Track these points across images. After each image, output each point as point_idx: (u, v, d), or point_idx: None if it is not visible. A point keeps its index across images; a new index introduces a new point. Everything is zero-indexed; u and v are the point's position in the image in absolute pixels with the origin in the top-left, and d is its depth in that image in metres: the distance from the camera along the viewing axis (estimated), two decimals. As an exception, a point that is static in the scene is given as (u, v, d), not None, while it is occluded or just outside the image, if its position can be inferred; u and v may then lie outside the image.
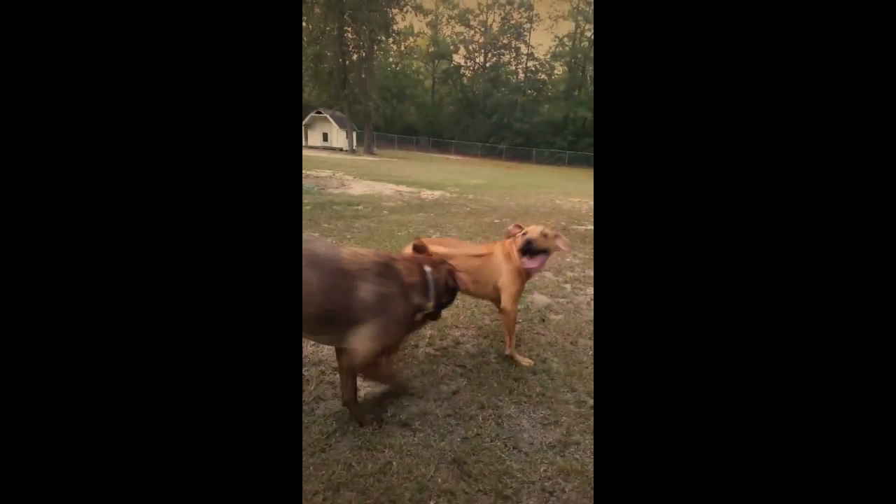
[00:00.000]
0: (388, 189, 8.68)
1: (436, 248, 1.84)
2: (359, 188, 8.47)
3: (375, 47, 25.85)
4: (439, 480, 1.29)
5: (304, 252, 1.28)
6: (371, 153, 25.33)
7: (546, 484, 1.32)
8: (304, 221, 4.68)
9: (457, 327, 2.38)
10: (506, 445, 1.47)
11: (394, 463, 1.34)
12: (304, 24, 23.10)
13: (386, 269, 1.38)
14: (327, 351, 2.00)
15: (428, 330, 2.30)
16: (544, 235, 1.90)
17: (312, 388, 1.70)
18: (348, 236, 4.19)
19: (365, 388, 1.71)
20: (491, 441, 1.48)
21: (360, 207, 6.05)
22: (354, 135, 26.76)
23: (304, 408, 1.57)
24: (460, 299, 2.76)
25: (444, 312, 2.54)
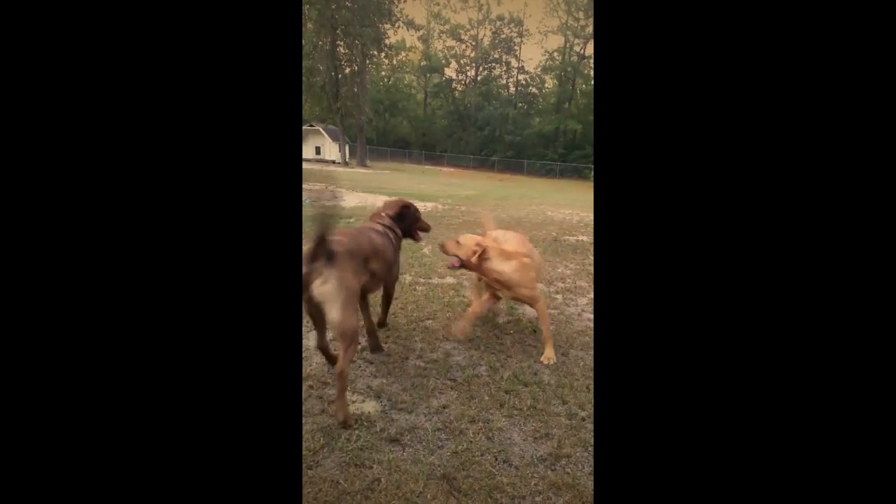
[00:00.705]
0: (380, 201, 8.67)
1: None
2: (351, 200, 8.46)
3: (367, 61, 26.11)
4: (429, 497, 1.27)
5: (379, 233, 2.04)
6: (364, 165, 25.41)
7: (537, 499, 1.30)
8: (294, 234, 4.66)
9: (447, 340, 2.37)
10: (496, 459, 1.45)
11: (382, 479, 1.32)
12: (296, 38, 23.22)
13: (387, 227, 2.15)
14: (315, 365, 1.97)
15: (418, 343, 2.28)
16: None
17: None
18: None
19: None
20: (481, 455, 1.46)
21: (352, 220, 6.03)
22: (347, 147, 26.86)
23: (292, 424, 1.54)
24: (451, 312, 2.75)
25: (434, 324, 2.54)
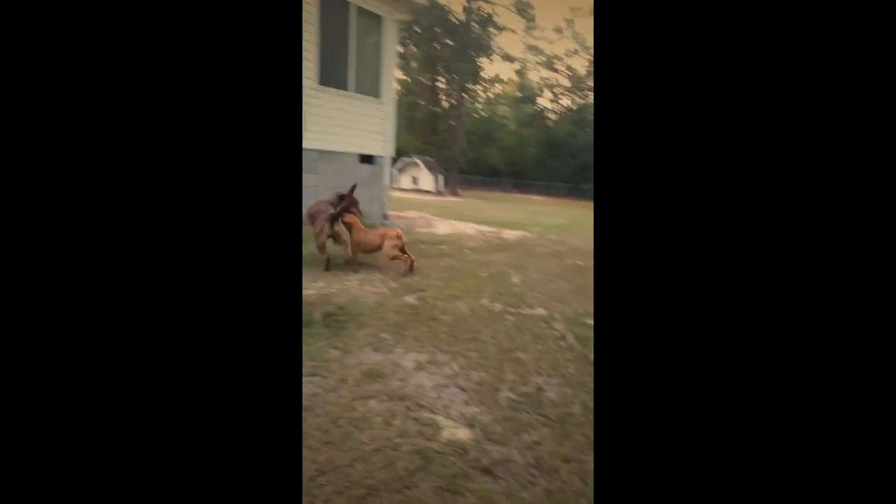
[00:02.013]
0: (469, 228, 8.89)
1: None
2: (443, 227, 8.77)
3: (465, 95, 27.26)
4: (521, 534, 1.26)
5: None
6: (455, 194, 26.21)
7: (637, 555, 1.22)
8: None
9: (539, 374, 2.34)
10: (592, 506, 1.40)
11: (475, 509, 1.34)
12: (402, 76, 25.18)
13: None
14: (412, 386, 2.07)
15: (508, 374, 2.29)
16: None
17: (399, 422, 1.77)
18: (433, 275, 4.34)
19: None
20: (576, 498, 1.42)
21: (444, 247, 6.26)
22: (441, 177, 28.01)
23: (389, 443, 1.63)
24: (542, 344, 2.72)
25: (525, 356, 2.52)
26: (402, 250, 4.17)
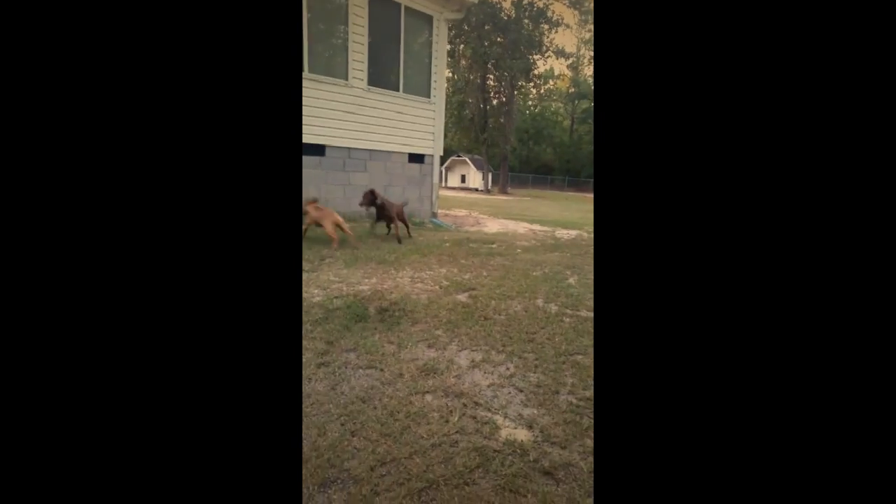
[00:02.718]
0: (521, 227, 8.75)
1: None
2: (493, 226, 8.70)
3: (515, 92, 26.90)
4: (586, 543, 1.20)
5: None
6: (505, 193, 25.96)
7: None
8: (443, 257, 4.96)
9: (599, 377, 2.24)
10: (663, 520, 1.30)
11: (536, 512, 1.30)
12: (451, 75, 25.27)
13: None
14: (468, 384, 2.05)
15: (568, 378, 2.21)
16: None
17: (456, 419, 1.75)
18: (484, 273, 4.31)
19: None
20: (644, 511, 1.33)
21: (494, 245, 6.19)
22: (490, 175, 27.86)
23: (448, 439, 1.62)
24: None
25: (585, 360, 2.43)
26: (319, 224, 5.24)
